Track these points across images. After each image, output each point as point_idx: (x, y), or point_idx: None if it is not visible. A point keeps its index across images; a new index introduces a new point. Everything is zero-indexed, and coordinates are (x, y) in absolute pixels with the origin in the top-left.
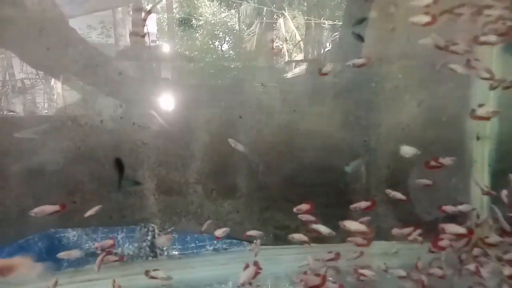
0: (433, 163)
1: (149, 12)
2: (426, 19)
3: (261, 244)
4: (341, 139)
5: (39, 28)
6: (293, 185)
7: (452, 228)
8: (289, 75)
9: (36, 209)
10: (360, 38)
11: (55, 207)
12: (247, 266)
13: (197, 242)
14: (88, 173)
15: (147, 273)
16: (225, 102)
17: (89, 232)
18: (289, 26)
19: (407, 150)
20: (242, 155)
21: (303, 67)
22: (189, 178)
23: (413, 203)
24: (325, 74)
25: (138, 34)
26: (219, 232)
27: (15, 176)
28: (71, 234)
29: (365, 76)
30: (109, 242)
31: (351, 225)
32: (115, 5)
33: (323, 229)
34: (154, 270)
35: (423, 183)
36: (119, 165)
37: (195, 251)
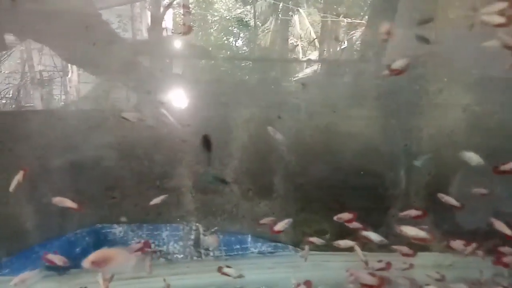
0: (504, 167)
1: (168, 7)
2: (499, 19)
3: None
4: (381, 142)
5: (85, 24)
6: (330, 188)
7: None
8: (300, 75)
9: (57, 199)
10: (424, 40)
11: (73, 204)
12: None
13: (241, 243)
14: (128, 169)
15: (219, 269)
16: (265, 102)
17: (135, 229)
18: (304, 23)
19: (472, 157)
20: (279, 155)
21: (314, 67)
22: (226, 177)
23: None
24: (396, 70)
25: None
26: (280, 225)
27: (58, 170)
28: (117, 230)
29: (409, 78)
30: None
31: (409, 230)
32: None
33: (374, 236)
34: (227, 266)
35: (480, 192)
36: (207, 142)
37: (240, 253)
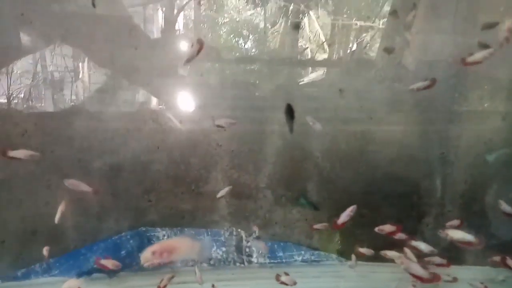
0: None
1: (182, 9)
2: None
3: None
4: (417, 150)
5: (130, 27)
6: (365, 195)
7: None
8: (306, 80)
9: (71, 181)
10: (485, 46)
11: (87, 188)
12: None
13: (284, 251)
14: (164, 172)
15: (277, 277)
16: (301, 108)
17: (177, 232)
18: (314, 25)
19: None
20: (314, 162)
21: (320, 72)
22: (260, 183)
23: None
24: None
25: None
26: (344, 216)
27: (96, 173)
28: (161, 233)
29: (448, 85)
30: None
31: (455, 234)
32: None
33: (423, 246)
34: (285, 274)
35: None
36: (290, 110)
37: (284, 260)
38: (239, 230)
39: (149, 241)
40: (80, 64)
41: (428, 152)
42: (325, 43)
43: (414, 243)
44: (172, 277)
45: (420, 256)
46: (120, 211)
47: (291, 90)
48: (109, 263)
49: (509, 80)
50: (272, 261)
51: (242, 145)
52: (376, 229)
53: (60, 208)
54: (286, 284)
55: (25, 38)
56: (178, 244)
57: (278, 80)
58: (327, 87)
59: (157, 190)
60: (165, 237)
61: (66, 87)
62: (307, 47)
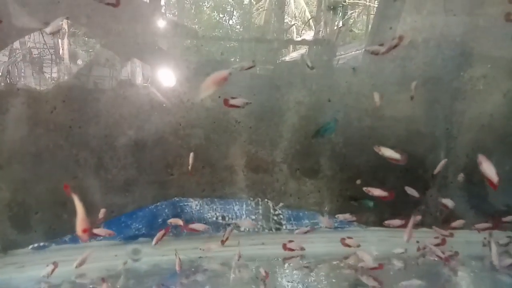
0: None
1: None
2: None
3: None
4: (424, 126)
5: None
6: (374, 169)
7: None
8: (287, 58)
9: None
10: None
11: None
12: None
13: (309, 219)
14: (186, 147)
15: (342, 240)
16: (316, 85)
17: (209, 203)
18: (299, 2)
19: None
20: (327, 137)
21: (301, 50)
22: (276, 157)
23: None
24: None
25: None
26: (345, 216)
27: (122, 148)
28: (194, 203)
29: (455, 64)
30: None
31: (385, 151)
32: None
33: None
34: (290, 241)
35: None
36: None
37: (309, 227)
38: (266, 200)
39: (182, 211)
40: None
41: (434, 128)
42: (311, 21)
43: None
44: (232, 230)
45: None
46: (144, 184)
47: (304, 68)
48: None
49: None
50: (299, 228)
51: (260, 122)
52: (364, 188)
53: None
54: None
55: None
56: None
57: (295, 60)
58: (341, 64)
59: (179, 165)
60: (198, 207)
61: (92, 66)
62: (293, 24)
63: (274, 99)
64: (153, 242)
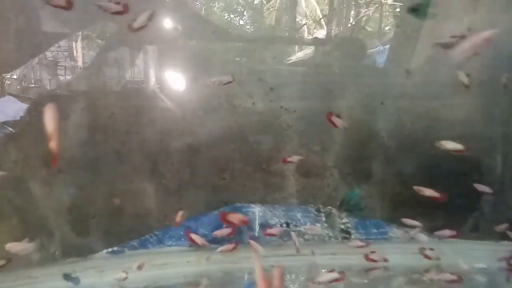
0: None
1: None
2: None
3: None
4: (480, 129)
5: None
6: (428, 173)
7: None
8: (293, 58)
9: None
10: None
11: None
12: None
13: (377, 227)
14: (237, 152)
15: (422, 250)
16: (369, 88)
17: (271, 209)
18: (310, 0)
19: None
20: (379, 141)
21: (307, 51)
22: (327, 162)
23: None
24: None
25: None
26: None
27: (177, 152)
28: (256, 209)
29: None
30: (228, 230)
31: (447, 144)
32: None
33: None
34: (372, 252)
35: None
36: None
37: (379, 237)
38: (329, 207)
39: (245, 216)
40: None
41: (491, 131)
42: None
43: None
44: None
45: None
46: (197, 188)
47: (361, 70)
48: (198, 238)
49: None
50: (368, 237)
51: (311, 126)
52: (415, 187)
53: None
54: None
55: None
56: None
57: (348, 62)
58: (396, 67)
59: (231, 169)
60: (260, 213)
61: (147, 73)
62: (305, 23)
63: (326, 103)
64: (219, 249)
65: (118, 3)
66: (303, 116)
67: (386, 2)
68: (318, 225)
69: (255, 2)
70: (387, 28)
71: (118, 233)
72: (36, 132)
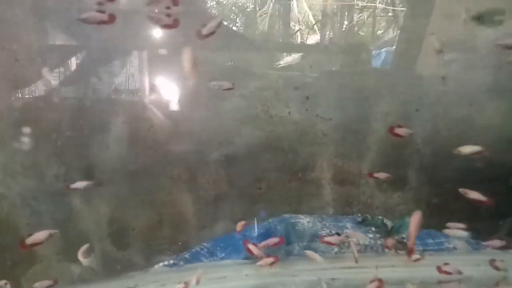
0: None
1: None
2: None
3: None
4: None
5: None
6: (464, 180)
7: None
8: (282, 63)
9: None
10: None
11: None
12: None
13: (433, 238)
14: (273, 161)
15: (492, 262)
16: (404, 95)
17: (320, 220)
18: (302, 6)
19: None
20: (414, 148)
21: (295, 55)
22: (363, 169)
23: None
24: None
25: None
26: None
27: (214, 163)
28: (305, 220)
29: None
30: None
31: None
32: None
33: None
34: (445, 263)
35: None
36: None
37: (436, 247)
38: (379, 217)
39: (293, 228)
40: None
41: None
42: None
43: None
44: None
45: None
46: (234, 198)
47: (398, 78)
48: (255, 249)
49: None
50: (425, 248)
51: (347, 134)
52: (460, 190)
53: None
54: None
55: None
56: None
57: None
58: (430, 74)
59: (267, 179)
60: (310, 223)
61: (184, 86)
62: (299, 29)
63: (362, 110)
64: (258, 263)
65: (169, 16)
66: (339, 124)
67: (379, 7)
68: (370, 236)
69: (248, 9)
70: (379, 32)
71: (159, 245)
72: (78, 145)
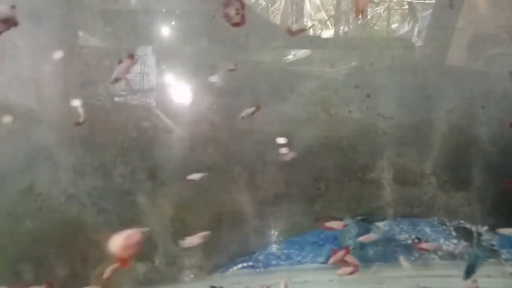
0: None
1: None
2: None
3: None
4: None
5: None
6: None
7: None
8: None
9: None
10: None
11: None
12: None
13: None
14: (332, 161)
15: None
16: (468, 92)
17: (397, 223)
18: (314, 2)
19: None
20: (479, 147)
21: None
22: (425, 169)
23: None
24: None
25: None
26: None
27: (272, 163)
28: (381, 223)
29: None
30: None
31: None
32: None
33: None
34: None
35: None
36: None
37: None
38: (460, 221)
39: (369, 231)
40: None
41: None
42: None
43: None
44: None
45: None
46: (293, 198)
47: (461, 77)
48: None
49: None
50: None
51: (409, 133)
52: None
53: None
54: None
55: None
56: None
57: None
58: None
59: (326, 179)
60: (386, 227)
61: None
62: (313, 24)
63: (424, 109)
64: (338, 272)
65: (238, 14)
66: (400, 123)
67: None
68: (454, 241)
69: (260, 6)
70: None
71: (220, 245)
72: (143, 146)
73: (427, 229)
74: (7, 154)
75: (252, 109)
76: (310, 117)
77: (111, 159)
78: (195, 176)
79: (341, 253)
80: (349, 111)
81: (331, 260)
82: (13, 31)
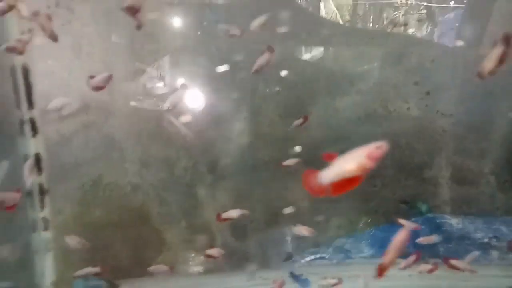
0: None
1: None
2: None
3: None
4: None
5: None
6: None
7: None
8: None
9: None
10: None
11: None
12: None
13: None
14: (389, 158)
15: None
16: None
17: (470, 221)
18: (330, 7)
19: None
20: None
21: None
22: (483, 168)
23: None
24: None
25: None
26: None
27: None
28: (454, 221)
29: None
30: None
31: None
32: None
33: None
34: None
35: None
36: None
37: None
38: None
39: (439, 228)
40: None
41: None
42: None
43: None
44: None
45: None
46: (348, 195)
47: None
48: None
49: None
50: None
51: (469, 131)
52: None
53: None
54: None
55: None
56: None
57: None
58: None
59: (382, 176)
60: (459, 225)
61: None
62: None
63: (485, 106)
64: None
65: None
66: (460, 120)
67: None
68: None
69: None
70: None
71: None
72: (205, 140)
73: (503, 228)
74: (80, 145)
75: (300, 120)
76: (368, 113)
77: (174, 152)
78: (290, 162)
79: (411, 258)
80: (408, 108)
81: (402, 265)
82: (89, 29)
